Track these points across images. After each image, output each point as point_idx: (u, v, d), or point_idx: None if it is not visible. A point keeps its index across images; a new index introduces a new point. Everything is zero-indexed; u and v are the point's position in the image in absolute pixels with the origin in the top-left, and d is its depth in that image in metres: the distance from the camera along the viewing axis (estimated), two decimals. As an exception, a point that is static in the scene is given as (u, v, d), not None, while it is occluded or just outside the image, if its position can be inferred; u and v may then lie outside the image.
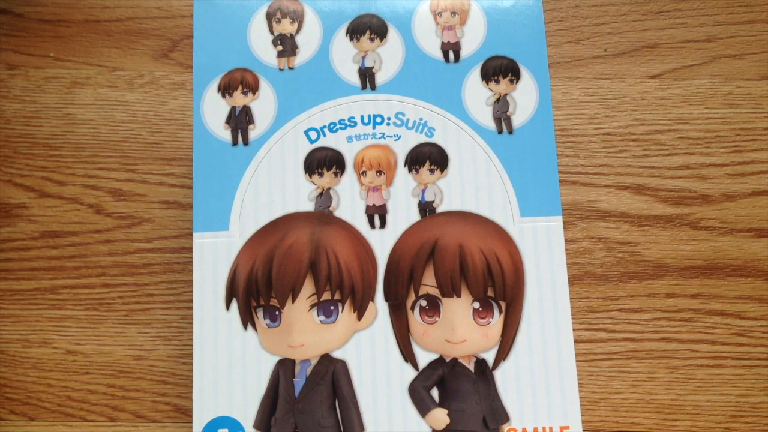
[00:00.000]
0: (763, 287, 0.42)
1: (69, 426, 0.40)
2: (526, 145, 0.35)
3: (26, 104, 0.45)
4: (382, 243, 0.34)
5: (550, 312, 0.33)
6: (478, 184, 0.35)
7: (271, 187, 0.35)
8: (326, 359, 0.33)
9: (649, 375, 0.41)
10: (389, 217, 0.34)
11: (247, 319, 0.33)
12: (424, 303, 0.33)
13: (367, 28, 0.37)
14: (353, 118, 0.35)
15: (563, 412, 0.33)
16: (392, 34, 0.37)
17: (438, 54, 0.36)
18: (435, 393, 0.33)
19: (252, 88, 0.36)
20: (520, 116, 0.35)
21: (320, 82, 0.36)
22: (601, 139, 0.44)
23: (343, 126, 0.35)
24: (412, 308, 0.34)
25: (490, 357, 0.33)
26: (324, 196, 0.35)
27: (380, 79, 0.36)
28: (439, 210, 0.34)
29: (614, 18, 0.46)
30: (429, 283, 0.33)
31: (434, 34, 0.36)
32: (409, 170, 0.35)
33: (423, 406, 0.33)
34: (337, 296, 0.33)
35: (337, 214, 0.34)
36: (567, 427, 0.33)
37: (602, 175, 0.43)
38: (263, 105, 0.36)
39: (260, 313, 0.34)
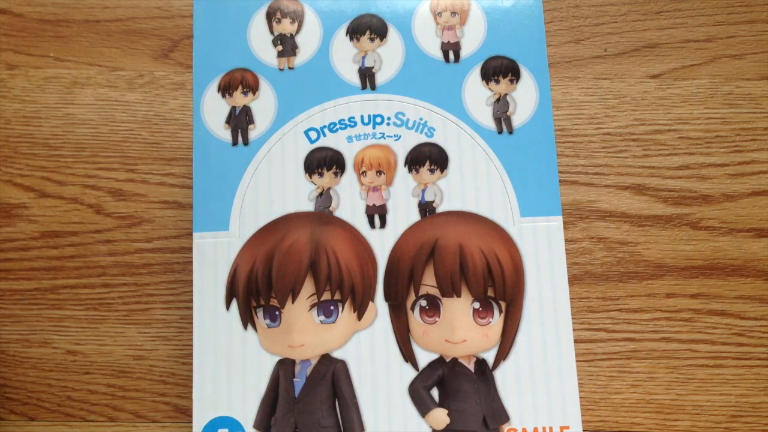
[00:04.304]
0: (763, 287, 0.42)
1: (69, 426, 0.40)
2: (526, 145, 0.35)
3: (26, 104, 0.45)
4: (382, 243, 0.34)
5: (550, 312, 0.33)
6: (478, 184, 0.35)
7: (271, 187, 0.35)
8: (326, 359, 0.33)
9: (649, 375, 0.41)
10: (389, 217, 0.34)
11: (247, 319, 0.33)
12: (424, 303, 0.33)
13: (367, 28, 0.37)
14: (353, 118, 0.35)
15: (563, 412, 0.33)
16: (392, 34, 0.37)
17: (438, 54, 0.36)
18: (435, 393, 0.33)
19: (252, 88, 0.36)
20: (520, 116, 0.35)
21: (320, 82, 0.36)
22: (601, 139, 0.44)
23: (343, 126, 0.35)
24: (412, 308, 0.34)
25: (490, 357, 0.33)
26: (324, 196, 0.35)
27: (380, 79, 0.36)
28: (439, 210, 0.34)
29: (614, 18, 0.46)
30: (429, 283, 0.33)
31: (434, 34, 0.36)
32: (409, 170, 0.35)
33: (423, 406, 0.33)
34: (337, 296, 0.33)
35: (337, 214, 0.34)
36: (567, 427, 0.33)
37: (602, 175, 0.43)
38: (263, 105, 0.36)
39: (260, 313, 0.34)
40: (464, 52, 0.36)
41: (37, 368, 0.41)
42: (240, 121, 0.35)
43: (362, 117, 0.35)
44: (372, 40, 0.36)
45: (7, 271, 0.43)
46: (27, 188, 0.43)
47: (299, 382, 0.33)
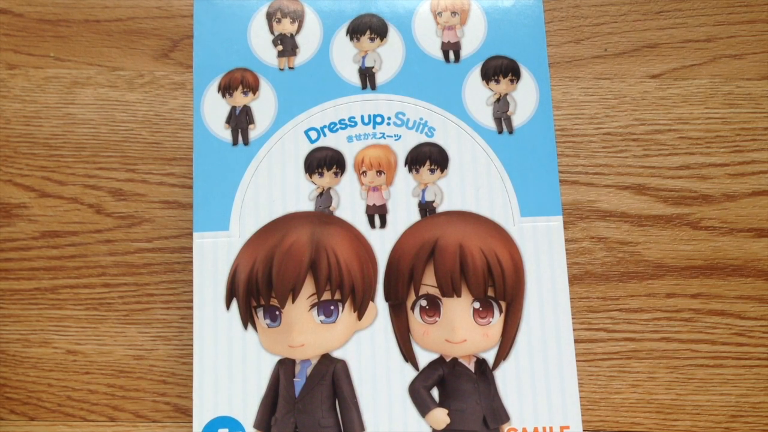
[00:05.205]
0: (763, 287, 0.42)
1: (69, 426, 0.40)
2: (527, 145, 0.35)
3: (26, 104, 0.45)
4: (382, 243, 0.34)
5: (550, 312, 0.33)
6: (478, 184, 0.35)
7: (271, 187, 0.35)
8: (326, 359, 0.33)
9: (650, 375, 0.41)
10: (389, 217, 0.34)
11: (247, 318, 0.33)
12: (424, 303, 0.33)
13: (368, 27, 0.37)
14: (353, 117, 0.35)
15: (563, 412, 0.33)
16: (392, 34, 0.37)
17: (438, 54, 0.36)
18: (435, 393, 0.33)
19: (252, 87, 0.36)
20: (520, 116, 0.35)
21: (320, 81, 0.36)
22: (602, 139, 0.44)
23: (344, 126, 0.35)
24: (413, 308, 0.34)
25: (490, 357, 0.33)
26: (324, 196, 0.35)
27: (380, 78, 0.36)
28: (439, 210, 0.34)
29: (614, 18, 0.46)
30: (429, 283, 0.33)
31: (434, 34, 0.36)
32: (410, 170, 0.35)
33: (423, 406, 0.33)
34: (337, 296, 0.33)
35: (338, 213, 0.34)
36: (567, 427, 0.33)
37: (602, 175, 0.43)
38: (263, 105, 0.36)
39: (260, 312, 0.34)
40: (464, 52, 0.36)
41: (37, 368, 0.41)
42: (240, 120, 0.36)
43: (362, 117, 0.35)
44: (372, 40, 0.36)
45: (7, 271, 0.43)
46: (27, 188, 0.43)
47: (299, 382, 0.33)
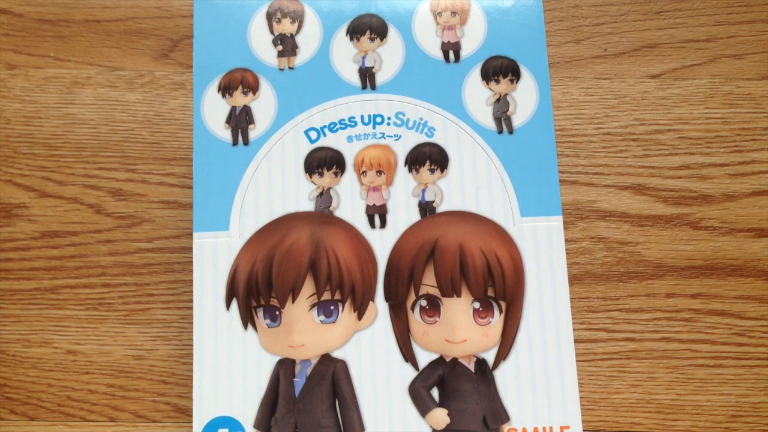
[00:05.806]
0: (763, 287, 0.42)
1: (69, 426, 0.40)
2: (527, 145, 0.35)
3: (26, 104, 0.45)
4: (382, 243, 0.34)
5: (550, 312, 0.33)
6: (478, 184, 0.35)
7: (271, 187, 0.35)
8: (326, 359, 0.33)
9: (650, 375, 0.41)
10: (389, 217, 0.34)
11: (247, 318, 0.33)
12: (424, 303, 0.33)
13: (368, 28, 0.37)
14: (353, 117, 0.35)
15: (563, 412, 0.33)
16: (392, 34, 0.37)
17: (438, 54, 0.36)
18: (435, 393, 0.33)
19: (252, 87, 0.36)
20: (520, 116, 0.35)
21: (320, 81, 0.36)
22: (601, 139, 0.44)
23: (344, 126, 0.35)
24: (412, 308, 0.34)
25: (490, 357, 0.33)
26: (324, 196, 0.35)
27: (380, 78, 0.36)
28: (439, 210, 0.34)
29: (614, 18, 0.46)
30: (429, 283, 0.33)
31: (434, 34, 0.36)
32: (410, 170, 0.35)
33: (423, 406, 0.33)
34: (337, 296, 0.33)
35: (338, 214, 0.34)
36: (567, 427, 0.33)
37: (602, 175, 0.43)
38: (263, 105, 0.36)
39: (260, 312, 0.34)
40: (464, 52, 0.36)
41: (37, 368, 0.41)
42: (240, 120, 0.36)
43: (362, 117, 0.35)
44: (372, 40, 0.36)
45: (7, 271, 0.43)
46: (27, 188, 0.43)
47: (299, 382, 0.33)
